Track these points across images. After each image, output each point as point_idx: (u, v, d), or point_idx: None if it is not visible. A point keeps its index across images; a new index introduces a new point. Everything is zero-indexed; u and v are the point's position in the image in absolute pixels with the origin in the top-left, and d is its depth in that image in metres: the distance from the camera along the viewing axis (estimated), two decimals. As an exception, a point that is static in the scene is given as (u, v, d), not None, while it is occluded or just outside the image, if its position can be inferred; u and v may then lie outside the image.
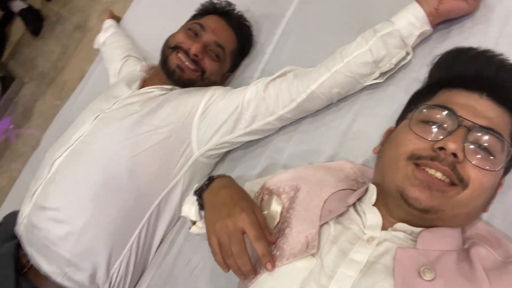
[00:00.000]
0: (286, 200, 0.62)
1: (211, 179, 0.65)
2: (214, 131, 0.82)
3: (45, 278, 0.75)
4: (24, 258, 0.77)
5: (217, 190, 0.61)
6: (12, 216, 0.84)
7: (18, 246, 0.78)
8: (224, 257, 0.54)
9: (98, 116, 0.84)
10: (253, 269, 0.53)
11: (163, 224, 0.83)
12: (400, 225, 0.53)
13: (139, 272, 0.84)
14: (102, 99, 0.91)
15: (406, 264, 0.46)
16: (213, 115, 0.82)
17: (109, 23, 1.31)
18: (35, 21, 2.37)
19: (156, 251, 0.85)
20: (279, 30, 1.03)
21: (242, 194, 0.61)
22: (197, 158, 0.83)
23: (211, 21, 0.93)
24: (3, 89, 2.23)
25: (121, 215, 0.77)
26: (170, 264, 0.82)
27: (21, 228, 0.80)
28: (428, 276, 0.44)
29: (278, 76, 0.82)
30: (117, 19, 1.39)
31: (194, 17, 1.00)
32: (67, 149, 0.81)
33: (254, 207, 0.57)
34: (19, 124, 2.17)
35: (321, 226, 0.54)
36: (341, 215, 0.56)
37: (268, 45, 1.03)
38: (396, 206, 0.53)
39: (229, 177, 0.66)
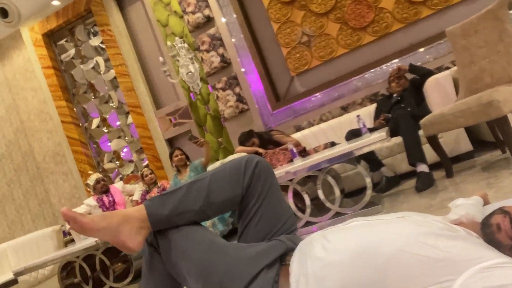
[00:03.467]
0: None
1: None
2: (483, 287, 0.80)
3: (286, 274, 0.96)
4: (289, 254, 1.01)
5: None
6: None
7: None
8: None
9: (404, 216, 0.99)
10: None
11: None
12: None
13: None
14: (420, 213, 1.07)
15: None
16: (493, 276, 0.79)
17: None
18: (426, 182, 2.56)
19: None
20: None
21: None
22: None
23: None
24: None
25: (355, 278, 0.86)
26: None
27: (305, 239, 1.04)
28: None
29: None
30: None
31: None
32: (369, 220, 1.01)
33: None
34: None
35: None
36: None
37: None
38: None
39: None
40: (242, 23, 4.10)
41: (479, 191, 1.31)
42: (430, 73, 3.11)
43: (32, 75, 5.19)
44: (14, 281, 3.27)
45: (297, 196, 2.76)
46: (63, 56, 5.24)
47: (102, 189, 3.98)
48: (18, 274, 3.07)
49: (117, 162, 5.19)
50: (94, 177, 4.02)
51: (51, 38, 5.20)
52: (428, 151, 2.69)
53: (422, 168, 2.63)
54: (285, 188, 2.82)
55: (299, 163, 2.61)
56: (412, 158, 2.66)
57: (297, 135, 3.79)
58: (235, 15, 4.12)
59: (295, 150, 2.92)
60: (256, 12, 4.21)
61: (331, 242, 0.95)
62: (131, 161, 5.14)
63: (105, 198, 3.97)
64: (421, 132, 2.69)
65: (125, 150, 5.23)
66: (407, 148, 2.71)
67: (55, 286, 3.52)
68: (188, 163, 3.83)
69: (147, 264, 1.12)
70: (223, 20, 4.15)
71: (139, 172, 4.29)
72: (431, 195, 2.45)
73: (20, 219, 4.82)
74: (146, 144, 4.73)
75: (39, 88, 5.15)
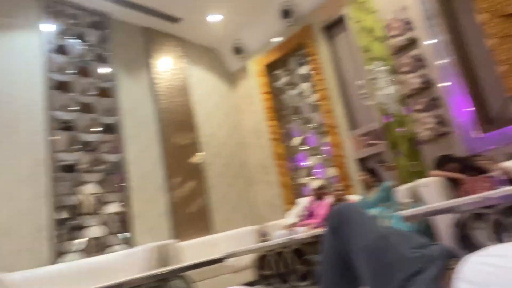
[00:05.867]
0: None
1: None
2: None
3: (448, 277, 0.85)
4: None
5: None
6: None
7: None
8: None
9: None
10: None
11: None
12: None
13: None
14: None
15: None
16: None
17: None
18: None
19: None
20: None
21: None
22: None
23: None
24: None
25: None
26: None
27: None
28: None
29: None
30: None
31: None
32: None
33: None
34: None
35: None
36: None
37: None
38: None
39: None
40: (451, 42, 3.87)
41: None
42: None
43: (252, 100, 6.32)
44: (219, 260, 3.98)
45: (500, 227, 2.38)
46: (277, 83, 6.18)
47: (316, 196, 4.41)
48: (229, 256, 3.77)
49: (311, 178, 5.63)
50: (318, 182, 4.50)
51: (269, 69, 6.22)
52: None
53: None
54: (482, 216, 2.48)
55: (507, 188, 2.27)
56: None
57: (510, 164, 3.23)
58: (442, 35, 3.94)
59: (504, 178, 2.55)
60: (466, 30, 3.90)
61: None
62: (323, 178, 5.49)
63: (312, 205, 4.37)
64: None
65: (317, 167, 5.63)
66: None
67: (249, 276, 4.12)
68: (377, 184, 3.84)
69: (327, 244, 1.30)
70: (429, 41, 4.03)
71: (333, 187, 4.54)
72: None
73: (233, 217, 5.84)
74: (338, 163, 4.98)
75: (257, 110, 6.21)
